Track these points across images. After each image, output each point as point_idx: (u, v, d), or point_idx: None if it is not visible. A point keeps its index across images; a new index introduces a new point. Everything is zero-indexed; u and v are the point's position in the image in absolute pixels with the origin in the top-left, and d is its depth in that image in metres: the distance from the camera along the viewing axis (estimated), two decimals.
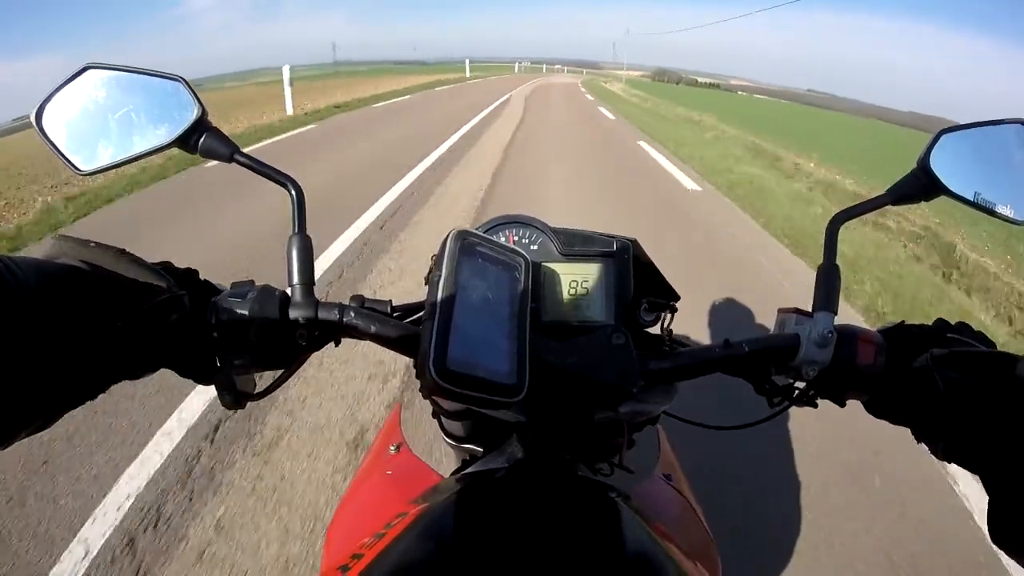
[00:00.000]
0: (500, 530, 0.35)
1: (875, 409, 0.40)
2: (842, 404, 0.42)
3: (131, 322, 0.31)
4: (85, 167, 0.40)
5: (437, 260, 0.34)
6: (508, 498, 0.39)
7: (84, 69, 0.40)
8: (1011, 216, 0.44)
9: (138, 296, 0.32)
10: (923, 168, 0.43)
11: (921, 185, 0.43)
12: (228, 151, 0.39)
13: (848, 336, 0.40)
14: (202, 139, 0.39)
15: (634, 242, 0.45)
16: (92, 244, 0.33)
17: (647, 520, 0.41)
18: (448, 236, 0.34)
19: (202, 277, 0.39)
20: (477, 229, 0.43)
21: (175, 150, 0.40)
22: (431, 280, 0.34)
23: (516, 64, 43.92)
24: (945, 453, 0.35)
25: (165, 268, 0.36)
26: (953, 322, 0.41)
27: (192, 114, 0.39)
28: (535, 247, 0.45)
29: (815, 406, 0.42)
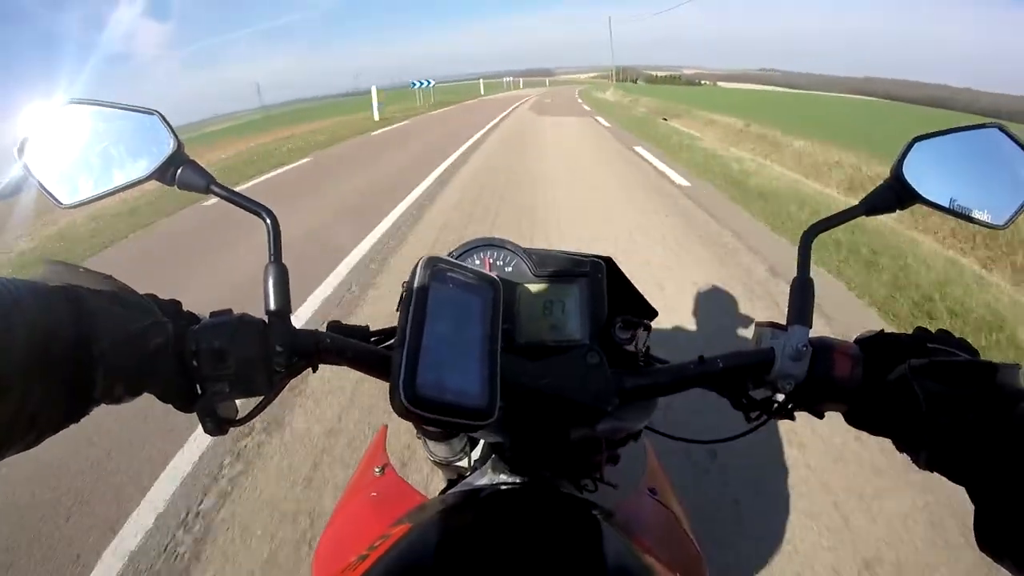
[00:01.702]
0: (482, 550, 0.35)
1: (855, 420, 0.40)
2: (820, 416, 0.42)
3: (116, 345, 0.32)
4: (67, 200, 0.41)
5: (408, 287, 0.34)
6: (490, 518, 0.39)
7: (65, 104, 0.41)
8: (988, 221, 0.44)
9: (123, 320, 0.33)
10: (896, 177, 0.42)
11: (895, 194, 0.43)
12: (204, 182, 0.40)
13: (823, 349, 0.40)
14: (179, 171, 0.40)
15: (608, 260, 0.46)
16: (81, 269, 0.34)
17: (631, 535, 0.41)
18: (418, 263, 0.35)
19: (185, 308, 0.39)
20: (450, 254, 0.43)
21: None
22: (401, 306, 0.34)
23: (481, 82, 39.56)
24: (927, 463, 0.35)
25: (150, 298, 0.37)
26: (933, 330, 0.40)
27: (168, 147, 0.40)
28: (509, 268, 0.45)
29: (793, 419, 0.42)
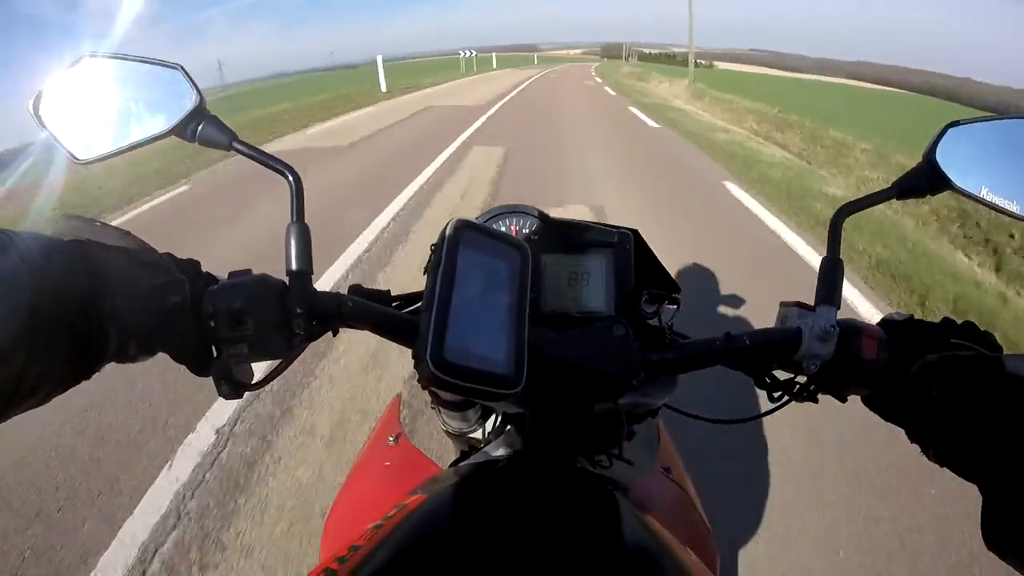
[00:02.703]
0: (498, 522, 0.35)
1: (874, 404, 0.40)
2: (843, 399, 0.42)
3: (130, 303, 0.31)
4: (83, 156, 0.40)
5: (436, 249, 0.34)
6: (506, 490, 0.39)
7: (82, 58, 0.40)
8: (1018, 212, 0.43)
9: (138, 278, 0.32)
10: (929, 162, 0.42)
11: (927, 179, 0.42)
12: (227, 139, 0.39)
13: (851, 331, 0.39)
14: (200, 127, 0.39)
15: (635, 232, 0.45)
16: (98, 224, 0.34)
17: (645, 512, 0.41)
18: (447, 225, 0.34)
19: (204, 269, 0.39)
20: (478, 219, 0.42)
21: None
22: (430, 270, 0.33)
23: (462, 54, 29.45)
24: (937, 457, 0.35)
25: (167, 257, 0.37)
26: (959, 321, 0.40)
27: (190, 102, 0.39)
28: (536, 237, 0.44)
29: (816, 401, 0.42)
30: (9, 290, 0.26)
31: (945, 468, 0.35)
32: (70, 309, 0.29)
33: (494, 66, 36.65)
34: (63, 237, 0.31)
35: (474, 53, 32.11)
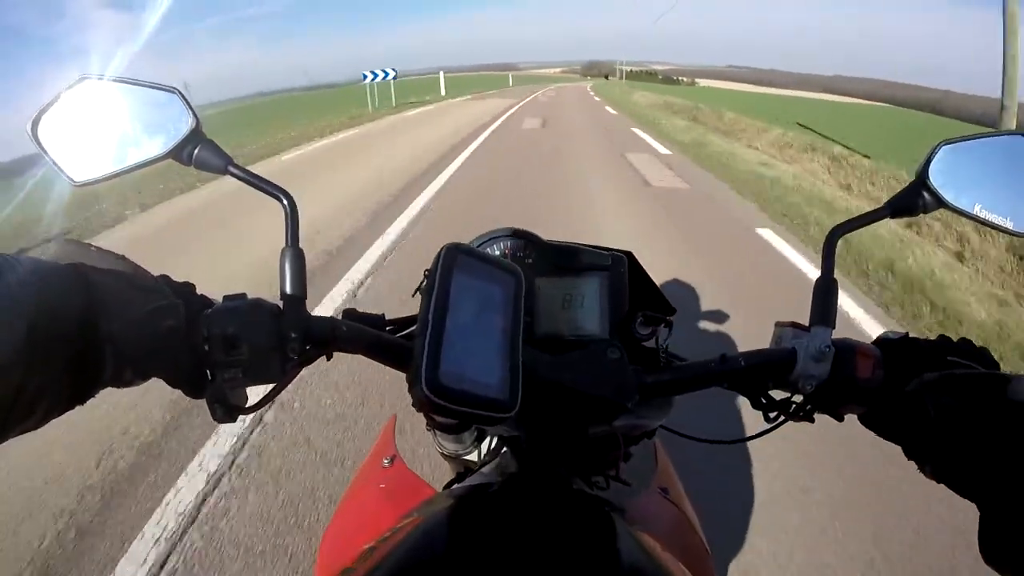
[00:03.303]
0: (494, 545, 0.34)
1: (870, 422, 0.40)
2: (839, 418, 0.41)
3: (126, 328, 0.31)
4: (79, 178, 0.40)
5: (430, 274, 0.34)
6: (502, 513, 0.39)
7: (79, 80, 0.40)
8: (1011, 228, 0.44)
9: (134, 302, 0.32)
10: (922, 181, 0.42)
11: (920, 198, 0.43)
12: (222, 163, 0.39)
13: (845, 350, 0.39)
14: (196, 151, 0.39)
15: (629, 255, 0.45)
16: (93, 248, 0.34)
17: (643, 534, 0.41)
18: (441, 251, 0.34)
19: (199, 291, 0.39)
20: (472, 242, 0.43)
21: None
22: (423, 294, 0.33)
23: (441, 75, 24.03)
24: (935, 474, 0.35)
25: (162, 280, 0.37)
26: (955, 338, 0.40)
27: (186, 125, 0.39)
28: (530, 260, 0.45)
29: (812, 420, 0.42)
30: (7, 308, 0.26)
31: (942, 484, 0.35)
32: (67, 329, 0.29)
33: (442, 92, 22.60)
34: (59, 261, 0.31)
35: (389, 76, 17.76)
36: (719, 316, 2.53)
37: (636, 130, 10.02)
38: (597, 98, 17.99)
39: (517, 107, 17.10)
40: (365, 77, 17.06)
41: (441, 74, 25.38)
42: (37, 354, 0.27)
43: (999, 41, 7.65)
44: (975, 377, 0.35)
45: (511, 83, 47.45)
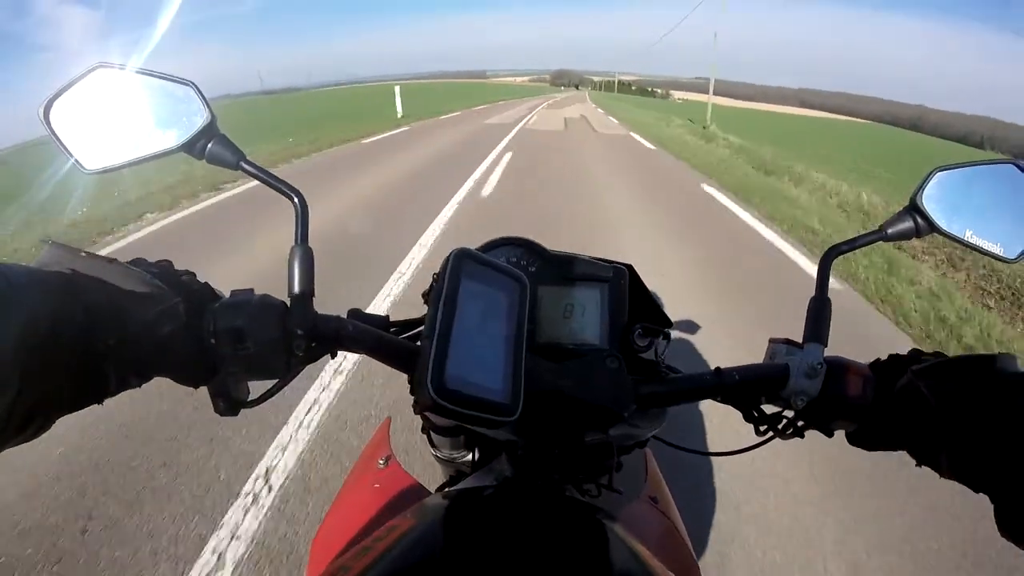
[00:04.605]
0: (487, 549, 0.35)
1: (860, 439, 0.40)
2: (829, 434, 0.42)
3: (124, 340, 0.30)
4: (90, 166, 0.40)
5: (438, 278, 0.34)
6: (495, 517, 0.39)
7: (94, 68, 0.40)
8: (1002, 255, 0.45)
9: (129, 311, 0.31)
10: (915, 206, 0.43)
11: (914, 222, 0.44)
12: (235, 159, 0.40)
13: (837, 367, 0.40)
14: (209, 145, 0.40)
15: (630, 267, 0.46)
16: (83, 254, 0.32)
17: (633, 542, 0.41)
18: (450, 256, 0.35)
19: (201, 279, 0.39)
20: (478, 249, 0.43)
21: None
22: (431, 298, 0.34)
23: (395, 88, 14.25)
24: (949, 466, 0.34)
25: (162, 270, 0.36)
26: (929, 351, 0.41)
27: (201, 119, 0.39)
28: (533, 269, 0.45)
29: (802, 436, 0.42)
30: (2, 322, 0.25)
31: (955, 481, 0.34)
32: (64, 345, 0.28)
33: (399, 113, 15.19)
34: (48, 267, 0.30)
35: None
36: None
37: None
38: (651, 146, 10.14)
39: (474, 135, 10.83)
40: None
41: (396, 88, 16.63)
42: (31, 368, 0.26)
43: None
44: (962, 360, 0.35)
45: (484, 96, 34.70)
